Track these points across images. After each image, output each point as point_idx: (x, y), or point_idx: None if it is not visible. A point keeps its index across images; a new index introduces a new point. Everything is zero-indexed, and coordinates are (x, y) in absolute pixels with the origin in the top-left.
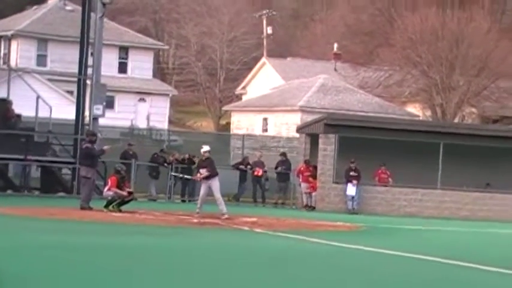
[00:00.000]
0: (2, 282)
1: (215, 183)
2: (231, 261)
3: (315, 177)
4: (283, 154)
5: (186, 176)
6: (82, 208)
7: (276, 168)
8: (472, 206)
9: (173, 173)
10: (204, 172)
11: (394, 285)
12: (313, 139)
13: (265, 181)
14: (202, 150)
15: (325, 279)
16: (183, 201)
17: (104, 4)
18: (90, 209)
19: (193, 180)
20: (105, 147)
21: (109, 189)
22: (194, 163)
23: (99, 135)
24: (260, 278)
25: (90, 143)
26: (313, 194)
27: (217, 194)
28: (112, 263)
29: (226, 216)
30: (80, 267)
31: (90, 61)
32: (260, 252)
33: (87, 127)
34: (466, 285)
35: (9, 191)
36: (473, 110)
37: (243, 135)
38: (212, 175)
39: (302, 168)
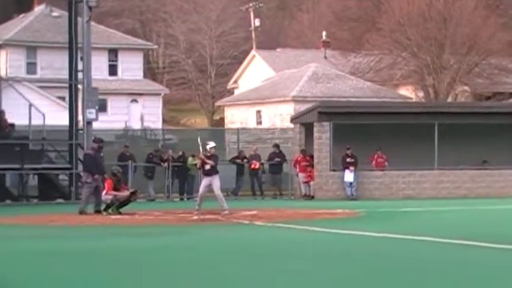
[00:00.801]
0: None
1: (216, 181)
2: (234, 256)
3: (312, 166)
4: (276, 146)
5: (208, 161)
6: (80, 212)
7: (268, 160)
8: (470, 184)
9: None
10: (210, 162)
11: (399, 268)
12: (308, 128)
13: (261, 174)
14: (208, 147)
15: (330, 267)
16: (182, 199)
17: (90, 8)
18: (87, 213)
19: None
20: (96, 176)
21: (107, 193)
22: (185, 161)
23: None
24: (263, 270)
25: (93, 150)
26: (311, 183)
27: (218, 191)
28: (115, 265)
29: (227, 212)
30: (82, 271)
31: (80, 66)
32: (262, 244)
33: (81, 132)
34: (470, 264)
35: (7, 201)
36: (466, 88)
37: (238, 129)
38: (214, 172)
39: (299, 158)
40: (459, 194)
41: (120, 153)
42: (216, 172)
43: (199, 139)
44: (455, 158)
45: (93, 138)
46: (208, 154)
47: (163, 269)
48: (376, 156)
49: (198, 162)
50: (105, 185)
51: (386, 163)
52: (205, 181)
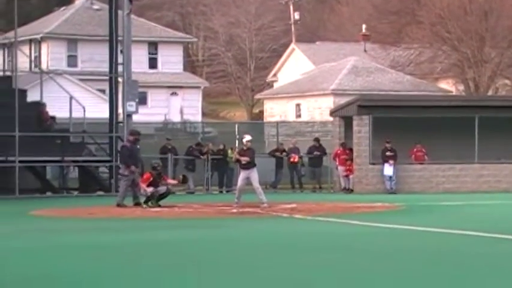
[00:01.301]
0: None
1: (254, 174)
2: (273, 248)
3: (351, 159)
4: (317, 139)
5: (243, 158)
6: (118, 205)
7: (308, 153)
8: (511, 178)
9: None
10: (245, 159)
11: (441, 261)
12: (347, 122)
13: (301, 167)
14: (244, 140)
15: (370, 261)
16: (221, 192)
17: (130, 1)
18: (125, 206)
19: (239, 161)
20: (133, 168)
21: (144, 187)
22: (226, 155)
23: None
24: (303, 263)
25: (129, 142)
26: (351, 176)
27: (256, 184)
28: (156, 259)
29: (265, 205)
30: (125, 265)
31: (120, 59)
32: (301, 237)
33: (121, 124)
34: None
35: (48, 193)
36: (507, 81)
37: (277, 123)
38: (252, 165)
39: (339, 152)
40: (500, 187)
41: (162, 146)
42: (254, 165)
43: (236, 133)
44: (496, 151)
45: (129, 130)
46: (245, 148)
47: (203, 261)
48: (415, 149)
49: (233, 157)
50: (144, 178)
51: (426, 156)
52: (243, 174)
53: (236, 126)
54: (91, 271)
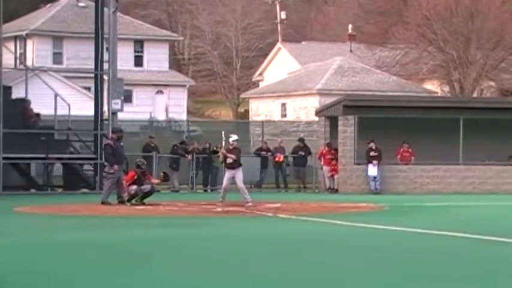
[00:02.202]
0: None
1: (239, 174)
2: (257, 248)
3: (336, 159)
4: (301, 140)
5: (229, 155)
6: (102, 203)
7: (293, 153)
8: (496, 179)
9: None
10: (232, 156)
11: (422, 262)
12: (333, 121)
13: (286, 166)
14: (230, 140)
15: (353, 261)
16: (206, 191)
17: None
18: (109, 203)
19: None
20: (115, 167)
21: (128, 185)
22: (216, 152)
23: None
24: (287, 262)
25: (112, 140)
26: (336, 176)
27: (241, 184)
28: (140, 256)
29: (250, 204)
30: (109, 261)
31: (106, 56)
32: (286, 237)
33: (106, 122)
34: (495, 260)
35: (32, 190)
36: (492, 83)
37: (262, 122)
38: (237, 165)
39: (324, 151)
40: (485, 189)
41: (145, 144)
42: (239, 165)
43: (223, 134)
44: (480, 153)
45: (112, 128)
46: (231, 147)
47: (186, 259)
48: (402, 150)
49: (220, 156)
50: (128, 175)
51: (412, 157)
52: (228, 174)
53: (223, 132)
54: (76, 268)
